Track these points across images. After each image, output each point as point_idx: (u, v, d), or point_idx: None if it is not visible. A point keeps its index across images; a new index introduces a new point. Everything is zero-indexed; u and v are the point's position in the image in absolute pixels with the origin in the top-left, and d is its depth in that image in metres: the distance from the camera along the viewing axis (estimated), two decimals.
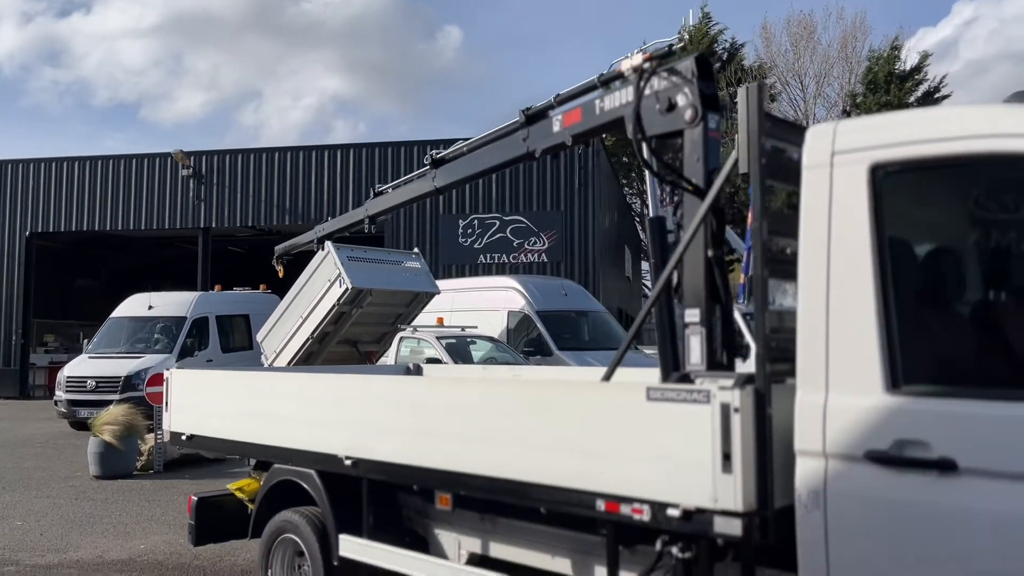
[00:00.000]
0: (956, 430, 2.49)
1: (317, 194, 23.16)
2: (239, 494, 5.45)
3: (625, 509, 3.06)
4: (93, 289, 29.99)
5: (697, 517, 2.86)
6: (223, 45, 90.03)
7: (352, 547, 4.40)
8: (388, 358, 11.39)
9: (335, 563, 4.49)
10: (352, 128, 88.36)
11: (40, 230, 25.23)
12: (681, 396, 2.93)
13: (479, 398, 3.80)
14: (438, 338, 12.30)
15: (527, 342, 14.37)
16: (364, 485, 4.39)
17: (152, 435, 11.12)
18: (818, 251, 2.84)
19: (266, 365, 8.73)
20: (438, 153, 5.72)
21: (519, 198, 21.92)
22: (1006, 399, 2.45)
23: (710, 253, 3.50)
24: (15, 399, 23.86)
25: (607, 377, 3.83)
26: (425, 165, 5.82)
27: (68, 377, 15.65)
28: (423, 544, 4.48)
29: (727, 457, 2.77)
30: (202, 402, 5.51)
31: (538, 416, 3.44)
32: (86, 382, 15.38)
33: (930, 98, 34.62)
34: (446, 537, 4.44)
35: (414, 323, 10.37)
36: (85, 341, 17.67)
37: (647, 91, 3.83)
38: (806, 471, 2.77)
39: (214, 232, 24.48)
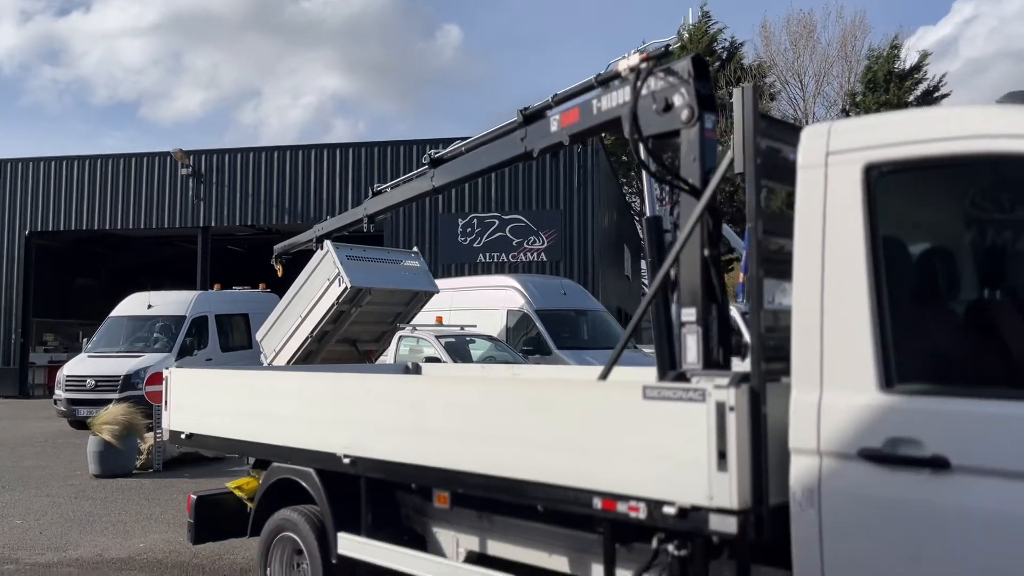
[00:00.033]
0: (949, 428, 2.52)
1: (316, 193, 23.18)
2: (238, 492, 5.47)
3: (622, 507, 3.08)
4: (92, 288, 30.00)
5: (693, 515, 2.88)
6: (222, 44, 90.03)
7: (351, 545, 4.42)
8: (387, 357, 11.42)
9: (334, 561, 4.51)
10: (352, 127, 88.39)
11: (40, 229, 25.24)
12: (677, 395, 2.94)
13: (476, 397, 3.82)
14: (437, 337, 12.32)
15: (526, 341, 14.38)
16: (363, 483, 4.40)
17: (151, 434, 11.13)
18: (813, 250, 2.86)
19: (265, 364, 8.75)
20: (436, 153, 5.75)
21: (518, 197, 21.94)
22: (998, 398, 2.48)
23: (706, 252, 3.53)
24: (15, 398, 23.87)
25: (604, 376, 3.85)
26: (424, 164, 5.85)
27: (68, 376, 15.67)
28: (421, 542, 4.50)
29: (722, 455, 2.79)
30: (201, 401, 5.52)
31: (535, 415, 3.46)
32: (85, 381, 15.40)
33: (929, 97, 34.66)
34: (444, 535, 4.46)
35: (413, 322, 10.40)
36: (84, 340, 17.69)
37: (644, 91, 3.85)
38: (801, 469, 2.79)
39: (213, 231, 24.50)
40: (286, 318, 8.67)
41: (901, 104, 32.70)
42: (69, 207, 24.95)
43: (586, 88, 4.38)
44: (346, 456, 4.23)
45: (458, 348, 12.46)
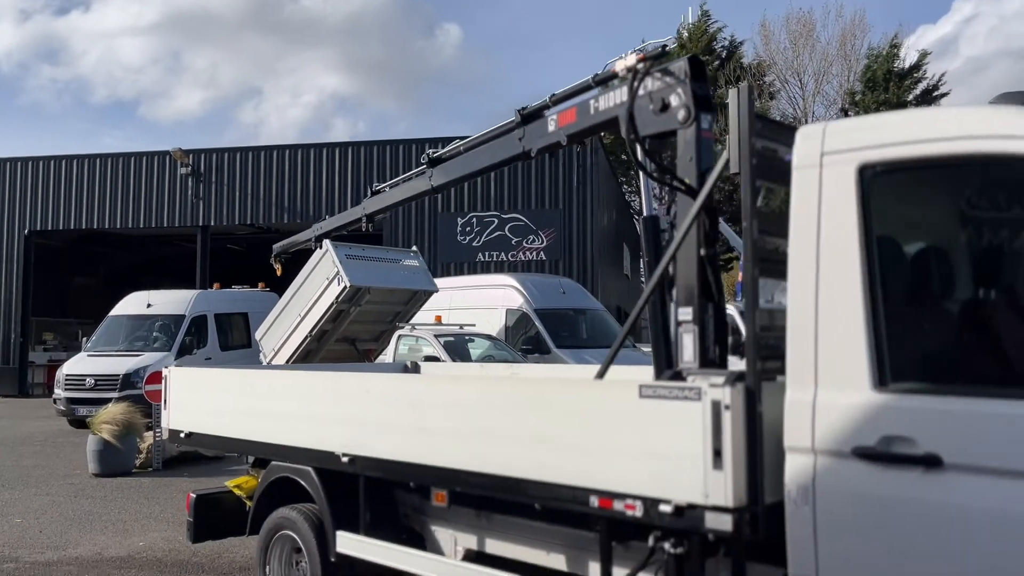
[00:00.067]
0: (942, 426, 2.54)
1: (316, 192, 23.19)
2: (237, 491, 5.49)
3: (618, 505, 3.10)
4: (92, 287, 30.02)
5: (689, 513, 2.89)
6: (222, 43, 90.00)
7: (349, 543, 4.43)
8: (386, 356, 11.43)
9: (332, 559, 4.53)
10: (351, 126, 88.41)
11: (39, 228, 25.25)
12: (673, 393, 2.96)
13: (474, 396, 3.83)
14: (436, 336, 12.33)
15: (525, 340, 14.40)
16: (361, 482, 4.42)
17: (151, 433, 11.15)
18: (808, 250, 2.88)
19: (265, 363, 8.76)
20: (435, 152, 5.76)
21: (518, 196, 21.95)
22: (991, 396, 2.50)
23: (703, 252, 3.54)
24: (14, 397, 23.89)
25: (601, 375, 3.87)
26: (422, 164, 5.87)
27: (67, 375, 15.69)
28: (420, 541, 4.52)
29: (718, 454, 2.81)
30: (200, 400, 5.54)
31: (532, 413, 3.47)
32: (85, 380, 15.41)
33: (929, 96, 34.70)
34: (442, 533, 4.48)
35: (412, 321, 10.41)
36: (84, 339, 17.70)
37: (641, 91, 3.87)
38: (795, 467, 2.81)
39: (213, 230, 24.51)
40: (285, 317, 8.69)
41: (900, 103, 32.74)
42: (68, 206, 24.96)
43: (583, 88, 4.40)
44: (345, 455, 4.24)
45: (457, 347, 12.47)
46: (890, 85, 33.62)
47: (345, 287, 8.10)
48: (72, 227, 25.17)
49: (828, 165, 2.87)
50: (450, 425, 3.79)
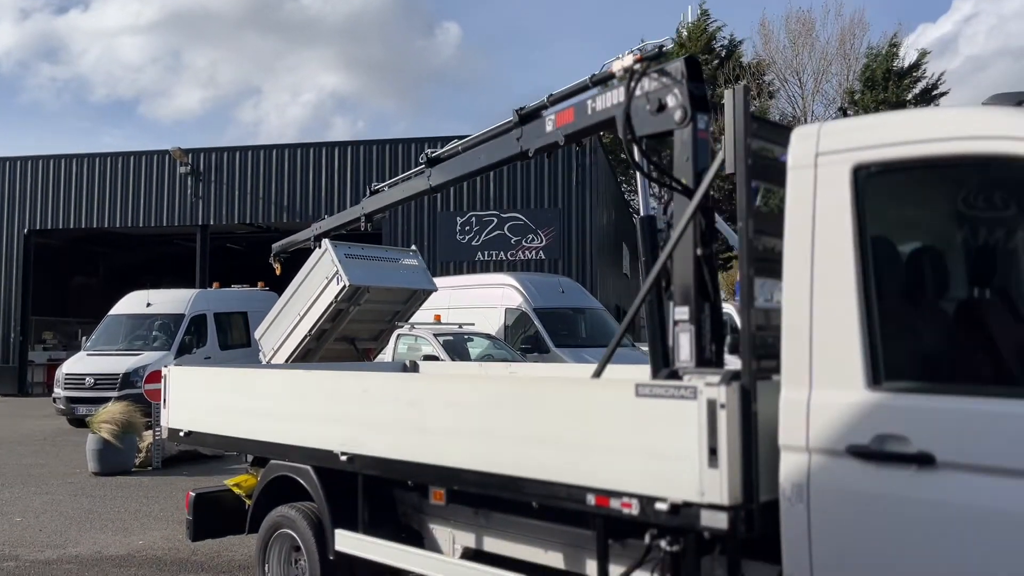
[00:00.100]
0: (934, 425, 2.56)
1: (315, 191, 23.21)
2: (236, 490, 5.51)
3: (615, 503, 3.12)
4: (91, 286, 30.04)
5: (684, 511, 2.91)
6: (221, 42, 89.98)
7: (348, 542, 4.45)
8: (386, 355, 11.45)
9: (331, 558, 4.55)
10: (351, 125, 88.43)
11: (38, 227, 25.27)
12: (669, 392, 2.98)
13: (472, 395, 3.85)
14: (435, 335, 12.35)
15: (524, 339, 14.42)
16: (360, 481, 4.44)
17: (150, 432, 11.17)
18: (802, 250, 2.90)
19: (264, 362, 8.78)
20: (433, 152, 5.78)
21: (517, 195, 21.97)
22: (983, 395, 2.52)
23: (699, 252, 3.56)
24: (14, 396, 23.91)
25: (597, 373, 3.89)
26: (421, 163, 5.89)
27: (67, 374, 15.70)
28: (418, 539, 4.54)
29: (713, 452, 2.83)
30: (200, 399, 5.56)
31: (530, 412, 3.49)
32: (84, 379, 15.43)
33: (928, 95, 34.72)
34: (440, 532, 4.50)
35: (411, 320, 10.43)
36: (83, 338, 17.71)
37: (638, 92, 3.89)
38: (790, 465, 2.83)
39: (212, 229, 24.53)
40: (285, 316, 8.71)
41: (900, 102, 32.77)
42: (68, 205, 24.97)
43: (581, 88, 4.42)
44: (343, 453, 4.26)
45: (456, 346, 12.50)
46: (889, 84, 33.64)
47: (344, 286, 8.13)
48: (72, 226, 25.19)
49: (823, 165, 2.89)
50: (448, 424, 3.81)
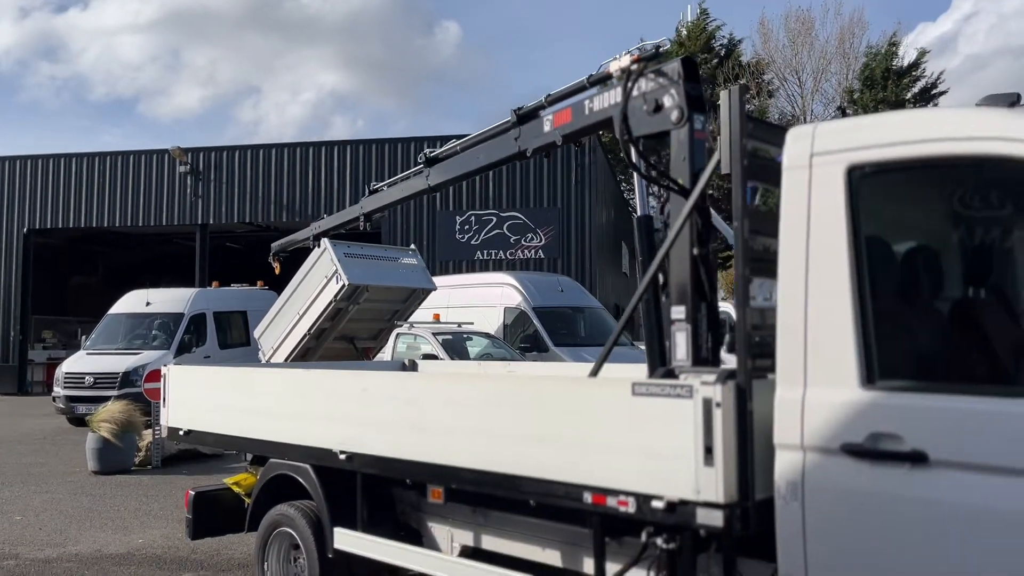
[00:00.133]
0: (928, 423, 2.58)
1: (314, 190, 23.23)
2: (236, 488, 5.53)
3: (611, 501, 3.14)
4: (91, 285, 30.07)
5: (680, 509, 2.93)
6: (221, 40, 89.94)
7: (347, 540, 4.47)
8: (385, 354, 11.47)
9: (330, 556, 4.57)
10: (350, 123, 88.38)
11: (38, 227, 25.28)
12: (665, 391, 3.00)
13: (469, 393, 3.87)
14: (434, 334, 12.37)
15: (523, 338, 14.44)
16: (358, 479, 4.46)
17: (150, 431, 11.19)
18: (797, 249, 2.92)
19: (263, 361, 8.80)
20: (432, 152, 5.80)
21: (516, 195, 21.99)
22: (975, 394, 2.54)
23: (696, 251, 3.58)
24: (13, 395, 23.92)
25: (594, 372, 3.91)
26: (419, 163, 5.91)
27: (66, 373, 15.71)
28: (416, 537, 4.56)
29: (709, 450, 2.85)
30: (199, 398, 5.58)
31: (527, 411, 3.52)
32: (84, 378, 15.44)
33: (927, 94, 34.74)
34: (439, 530, 4.52)
35: (411, 319, 10.44)
36: (83, 337, 17.73)
37: (635, 92, 3.91)
38: (785, 464, 2.85)
39: (211, 228, 24.55)
40: (284, 315, 8.72)
41: (899, 101, 32.79)
42: (68, 204, 24.99)
43: (579, 88, 4.43)
44: (342, 452, 4.28)
45: (455, 345, 12.52)
46: (888, 83, 33.66)
47: (343, 285, 8.13)
48: (71, 225, 25.20)
49: (817, 166, 2.91)
50: (446, 423, 3.83)
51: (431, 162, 5.77)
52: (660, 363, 3.79)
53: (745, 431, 2.87)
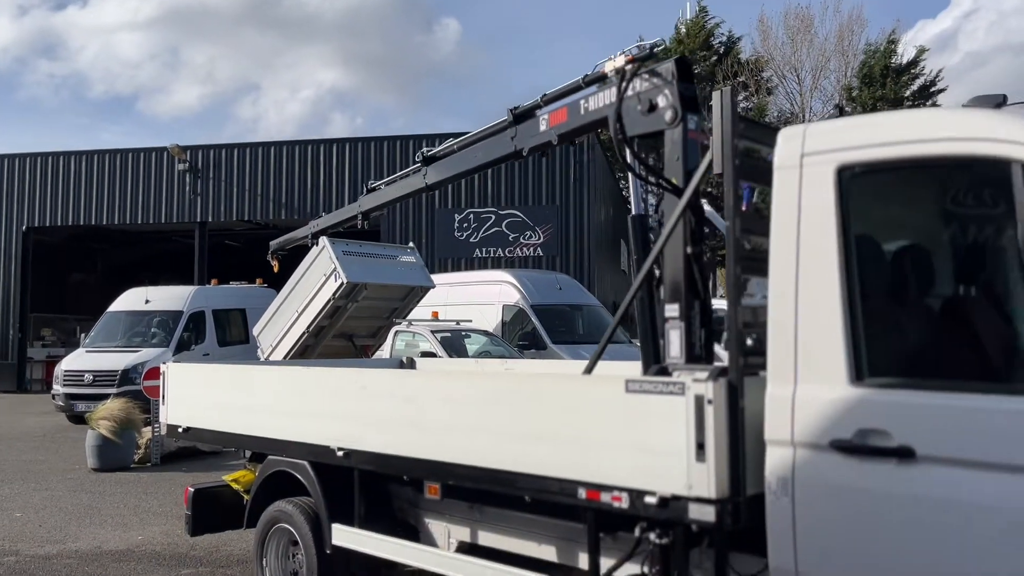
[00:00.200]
0: (915, 420, 2.62)
1: (313, 188, 23.24)
2: (235, 485, 5.56)
3: (605, 497, 3.18)
4: (90, 283, 30.07)
5: (673, 504, 2.97)
6: (220, 38, 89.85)
7: (344, 536, 4.51)
8: (383, 352, 11.50)
9: (328, 552, 4.61)
10: (350, 121, 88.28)
11: (37, 224, 25.29)
12: (658, 388, 3.04)
13: (466, 391, 3.91)
14: (433, 332, 12.41)
15: (522, 336, 14.47)
16: (356, 476, 4.50)
17: (149, 428, 11.23)
18: (788, 248, 2.96)
19: (262, 359, 8.83)
20: (429, 151, 5.84)
21: (515, 192, 22.02)
22: (961, 390, 2.59)
23: (689, 249, 3.61)
24: (12, 393, 23.95)
25: (589, 370, 3.94)
26: (417, 161, 5.94)
27: (65, 371, 15.74)
28: (414, 533, 4.60)
29: (701, 447, 2.89)
30: (198, 395, 5.61)
31: (522, 408, 3.56)
32: (83, 376, 15.46)
33: (926, 92, 34.73)
34: (436, 526, 4.56)
35: (409, 317, 10.48)
36: (82, 335, 17.75)
37: (629, 92, 3.94)
38: (775, 460, 2.89)
39: (210, 226, 24.55)
40: (283, 313, 8.75)
41: (897, 99, 32.80)
42: (67, 202, 25.00)
43: (574, 88, 4.47)
44: (340, 449, 4.32)
45: (454, 343, 12.55)
46: (887, 81, 33.65)
47: (342, 283, 8.16)
48: (70, 223, 25.21)
49: (808, 166, 2.95)
50: (442, 419, 3.86)
51: (428, 161, 5.80)
52: (654, 360, 3.83)
53: (737, 428, 2.91)
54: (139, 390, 12.51)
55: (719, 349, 3.87)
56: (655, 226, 4.01)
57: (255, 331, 9.33)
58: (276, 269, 8.84)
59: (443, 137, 6.33)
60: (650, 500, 3.03)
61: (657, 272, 3.72)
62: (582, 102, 4.33)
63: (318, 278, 8.41)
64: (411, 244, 10.54)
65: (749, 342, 3.12)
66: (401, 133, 24.42)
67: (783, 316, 2.94)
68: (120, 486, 9.74)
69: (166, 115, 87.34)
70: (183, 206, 24.20)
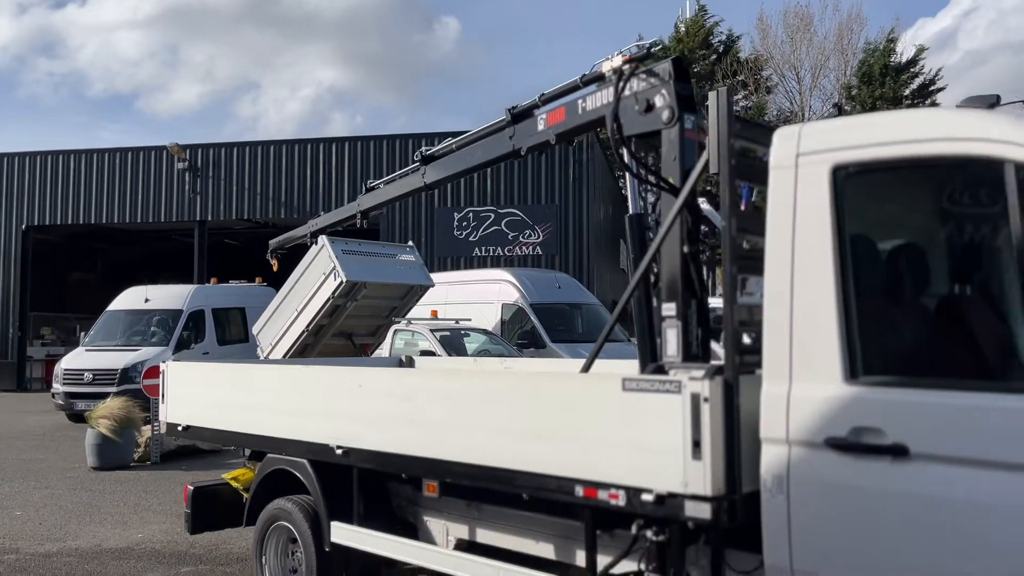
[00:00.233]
0: (908, 418, 2.64)
1: (313, 187, 23.25)
2: (234, 483, 5.58)
3: (602, 495, 3.20)
4: (90, 282, 30.08)
5: (669, 501, 2.99)
6: (219, 36, 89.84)
7: (343, 534, 4.53)
8: (383, 350, 11.52)
9: (327, 549, 4.63)
10: (349, 119, 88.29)
11: (36, 223, 25.29)
12: (654, 386, 3.06)
13: (463, 389, 3.93)
14: (432, 331, 12.42)
15: (521, 334, 14.49)
16: (355, 474, 4.52)
17: (149, 427, 11.25)
18: (783, 247, 2.98)
19: (262, 357, 8.84)
20: (428, 150, 5.85)
21: (514, 191, 22.03)
22: (954, 388, 2.61)
23: (686, 249, 3.63)
24: (12, 392, 23.96)
25: (586, 368, 3.96)
26: (415, 161, 5.96)
27: (65, 370, 15.74)
28: (412, 531, 4.62)
29: (697, 444, 2.91)
30: (198, 394, 5.63)
31: (520, 406, 3.57)
32: (83, 375, 15.47)
33: (926, 90, 34.73)
34: (434, 524, 4.58)
35: (409, 316, 10.49)
36: (82, 334, 17.76)
37: (627, 92, 3.96)
38: (771, 457, 2.91)
39: (210, 225, 24.56)
40: (282, 312, 8.76)
41: (897, 97, 32.80)
42: (66, 201, 25.00)
43: (572, 88, 4.49)
44: (339, 447, 4.34)
45: (453, 342, 12.56)
46: (886, 80, 33.64)
47: (341, 282, 8.17)
48: (70, 222, 25.21)
49: (803, 165, 2.97)
50: (439, 417, 3.88)
51: (427, 160, 5.82)
52: (651, 359, 3.84)
53: (732, 426, 2.93)
54: (139, 389, 12.53)
55: (717, 347, 3.88)
56: (653, 225, 4.03)
57: (254, 330, 9.34)
58: (275, 268, 8.85)
59: (442, 136, 6.35)
60: (647, 498, 3.05)
61: (654, 271, 3.74)
62: (580, 102, 4.35)
63: (317, 277, 8.42)
64: (410, 243, 10.55)
65: (747, 340, 3.15)
66: (400, 132, 24.38)
67: (778, 315, 2.96)
68: (120, 484, 9.76)
69: (165, 114, 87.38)
70: (182, 205, 24.21)
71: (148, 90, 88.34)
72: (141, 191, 24.44)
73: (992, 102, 2.82)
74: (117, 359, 15.61)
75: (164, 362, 5.94)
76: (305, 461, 4.76)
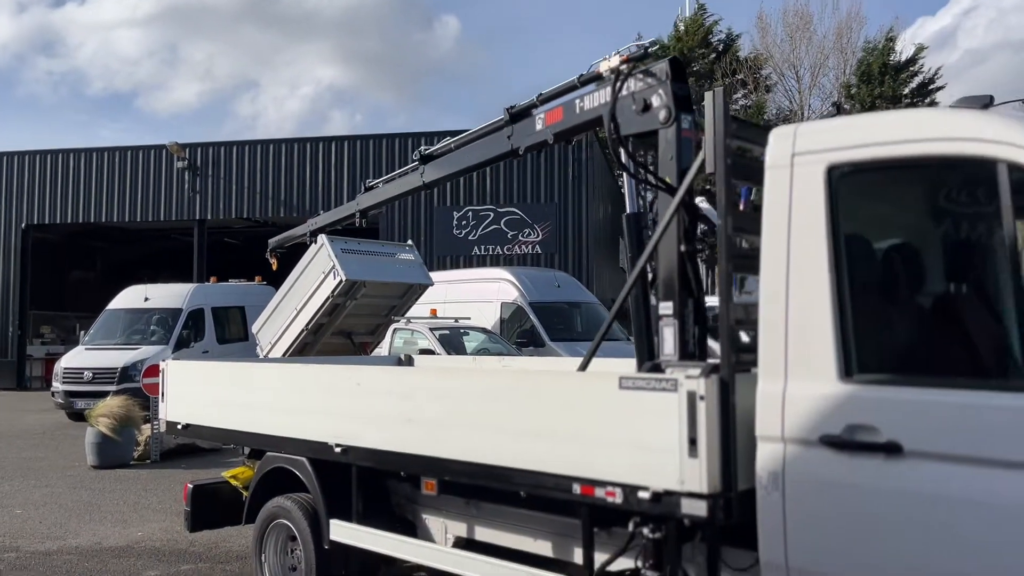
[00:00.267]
0: (902, 416, 2.66)
1: (312, 186, 23.26)
2: (233, 482, 5.60)
3: (599, 492, 3.22)
4: (89, 281, 30.09)
5: (665, 499, 3.02)
6: (219, 35, 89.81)
7: (342, 531, 4.55)
8: (382, 349, 11.53)
9: (326, 547, 4.65)
10: (349, 118, 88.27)
11: (36, 222, 25.30)
12: (651, 385, 3.08)
13: (461, 388, 3.95)
14: (431, 329, 12.44)
15: (520, 333, 14.50)
16: (354, 472, 4.54)
17: (148, 425, 11.27)
18: (779, 247, 3.00)
19: (262, 356, 8.86)
20: (427, 149, 5.87)
21: (513, 190, 22.04)
22: (947, 387, 2.63)
23: (683, 248, 3.66)
24: (12, 390, 23.98)
25: (583, 367, 3.98)
26: (414, 160, 5.98)
27: (65, 368, 15.77)
28: (411, 528, 4.64)
29: (693, 442, 2.93)
30: (197, 392, 5.65)
31: (517, 404, 3.59)
32: (83, 373, 15.49)
33: (925, 89, 34.74)
34: (433, 522, 4.60)
35: (408, 314, 10.50)
36: (82, 333, 17.78)
37: (624, 92, 3.98)
38: (766, 455, 2.93)
39: (209, 224, 24.57)
40: (282, 311, 8.77)
41: (896, 96, 32.81)
42: (66, 200, 25.01)
43: (570, 88, 4.51)
44: (338, 445, 4.36)
45: (452, 340, 12.58)
46: (886, 79, 33.64)
47: (341, 281, 8.18)
48: (69, 221, 25.22)
49: (799, 165, 2.99)
50: (438, 416, 3.90)
51: (426, 159, 5.84)
52: (648, 357, 3.87)
53: (728, 423, 2.95)
54: (138, 387, 12.54)
55: (716, 346, 3.91)
56: (651, 224, 4.05)
57: (254, 328, 9.35)
58: (275, 267, 8.87)
59: (442, 135, 6.37)
60: (643, 495, 3.07)
61: (651, 269, 3.77)
62: (577, 101, 4.37)
63: (317, 276, 8.43)
64: (410, 242, 10.56)
65: (745, 339, 3.17)
66: (400, 131, 24.37)
67: (774, 313, 2.98)
68: (120, 483, 9.78)
69: (165, 112, 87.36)
70: (182, 204, 24.22)
71: (147, 89, 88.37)
72: (140, 190, 24.45)
73: (986, 102, 2.84)
74: (117, 358, 15.63)
75: (164, 361, 5.96)
76: (304, 459, 4.78)
